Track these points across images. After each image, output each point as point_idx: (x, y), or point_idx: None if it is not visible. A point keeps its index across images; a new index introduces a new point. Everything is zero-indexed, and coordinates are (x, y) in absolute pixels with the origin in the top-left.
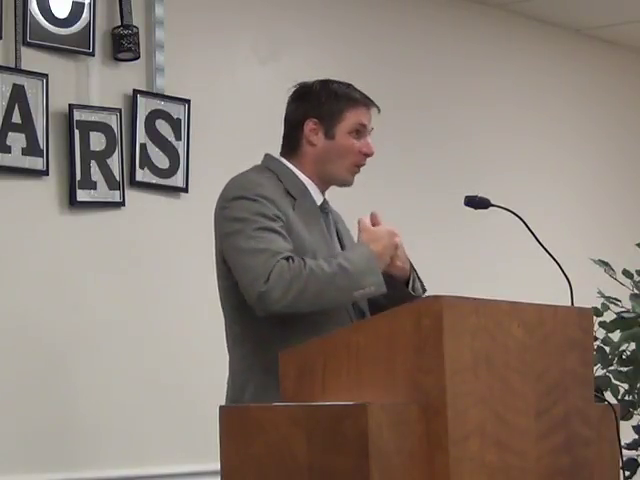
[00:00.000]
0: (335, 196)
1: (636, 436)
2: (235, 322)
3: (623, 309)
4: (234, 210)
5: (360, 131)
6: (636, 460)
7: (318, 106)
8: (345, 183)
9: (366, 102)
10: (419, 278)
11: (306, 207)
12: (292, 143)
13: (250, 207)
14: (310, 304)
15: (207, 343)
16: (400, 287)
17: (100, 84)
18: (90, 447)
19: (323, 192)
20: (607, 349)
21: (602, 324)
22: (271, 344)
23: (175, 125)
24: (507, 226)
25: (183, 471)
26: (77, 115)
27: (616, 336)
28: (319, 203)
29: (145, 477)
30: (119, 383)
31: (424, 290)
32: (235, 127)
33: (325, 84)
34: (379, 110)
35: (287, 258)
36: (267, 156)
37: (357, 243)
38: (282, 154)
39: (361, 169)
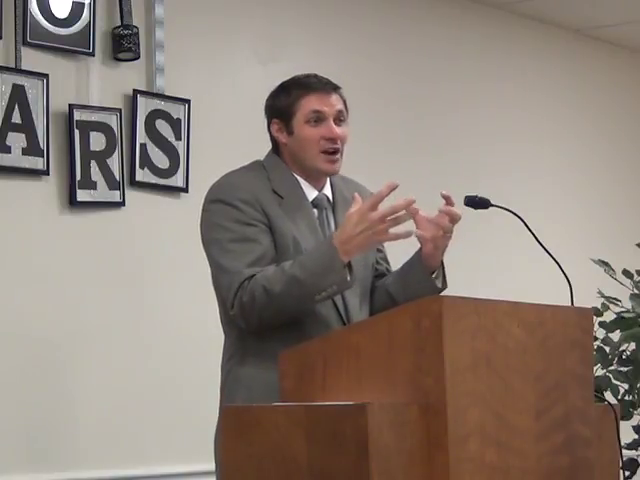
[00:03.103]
0: None
1: (636, 436)
2: (225, 312)
3: (623, 309)
4: (213, 215)
5: (318, 118)
6: (636, 460)
7: (275, 104)
8: (322, 172)
9: (320, 88)
10: (444, 275)
11: (295, 203)
12: (273, 145)
13: (228, 213)
14: (276, 318)
15: (206, 343)
16: (423, 272)
17: (100, 84)
18: (89, 447)
19: (317, 186)
20: (607, 349)
21: (602, 324)
22: (250, 337)
23: (175, 125)
24: (507, 226)
25: (182, 471)
26: (77, 115)
27: (616, 336)
28: (312, 198)
29: (144, 477)
30: (118, 383)
31: (444, 288)
32: (235, 127)
33: (284, 81)
34: (338, 89)
35: (248, 279)
36: (269, 152)
37: (323, 240)
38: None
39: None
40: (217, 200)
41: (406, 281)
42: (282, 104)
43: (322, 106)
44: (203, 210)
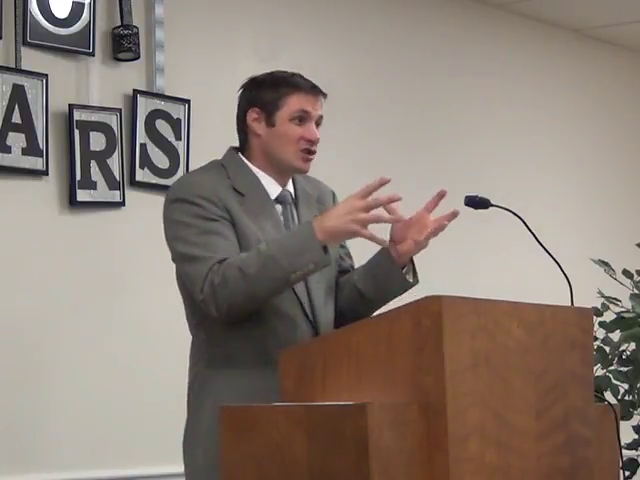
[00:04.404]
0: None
1: (636, 436)
2: (192, 314)
3: (623, 309)
4: (174, 213)
5: (303, 117)
6: (636, 460)
7: (259, 94)
8: (296, 170)
9: (309, 89)
10: (414, 270)
11: (256, 201)
12: (241, 136)
13: (189, 210)
14: (248, 303)
15: None
16: (393, 268)
17: (100, 84)
18: (89, 447)
19: (282, 182)
20: (607, 349)
21: (602, 324)
22: (215, 338)
23: (175, 125)
24: (507, 226)
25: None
26: (77, 115)
27: (616, 336)
28: (275, 195)
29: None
30: (118, 383)
31: (415, 282)
32: (235, 127)
33: (269, 73)
34: (325, 96)
35: (219, 262)
36: (227, 151)
37: (302, 223)
38: (239, 149)
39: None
40: (177, 199)
41: (375, 277)
42: (267, 96)
43: (309, 107)
44: (164, 209)
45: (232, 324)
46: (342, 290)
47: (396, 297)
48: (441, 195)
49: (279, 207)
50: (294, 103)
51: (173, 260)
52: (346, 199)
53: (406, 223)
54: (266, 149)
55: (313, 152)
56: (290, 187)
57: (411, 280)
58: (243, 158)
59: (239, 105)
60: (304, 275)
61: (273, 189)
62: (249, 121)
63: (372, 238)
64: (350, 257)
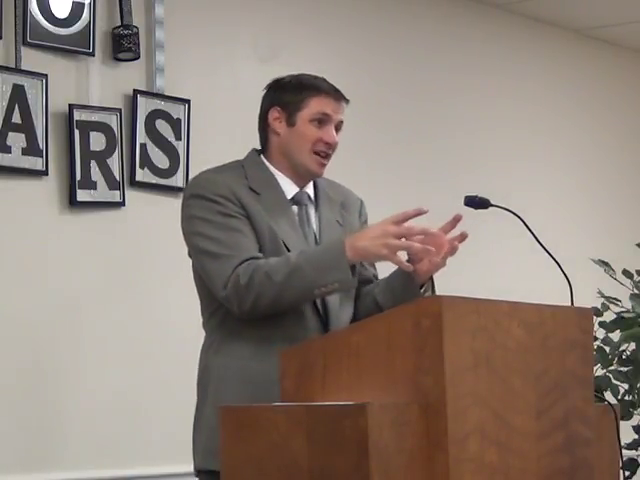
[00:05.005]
0: None
1: (636, 436)
2: (205, 307)
3: (623, 309)
4: (193, 209)
5: (323, 120)
6: (636, 460)
7: (282, 95)
8: (310, 172)
9: (332, 93)
10: (434, 289)
11: (271, 199)
12: (262, 135)
13: (209, 207)
14: (271, 308)
15: None
16: (412, 286)
17: (100, 84)
18: (87, 447)
19: (299, 183)
20: (607, 349)
21: (602, 324)
22: (225, 330)
23: (175, 125)
24: (507, 226)
25: (182, 471)
26: (77, 115)
27: (616, 336)
28: (291, 195)
29: (141, 477)
30: (117, 382)
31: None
32: (235, 127)
33: (294, 76)
34: (347, 102)
35: (244, 262)
36: (249, 152)
37: (334, 238)
38: (260, 150)
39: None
40: (195, 195)
41: (394, 293)
42: (290, 97)
43: (330, 110)
44: (183, 206)
45: (246, 320)
46: (363, 300)
47: None
48: (457, 220)
49: (295, 207)
50: (315, 105)
51: (190, 255)
52: (381, 222)
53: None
54: (284, 149)
55: (328, 156)
56: (310, 189)
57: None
58: (263, 159)
59: (262, 104)
60: (328, 292)
61: (290, 189)
62: (270, 120)
63: (400, 264)
64: (373, 266)
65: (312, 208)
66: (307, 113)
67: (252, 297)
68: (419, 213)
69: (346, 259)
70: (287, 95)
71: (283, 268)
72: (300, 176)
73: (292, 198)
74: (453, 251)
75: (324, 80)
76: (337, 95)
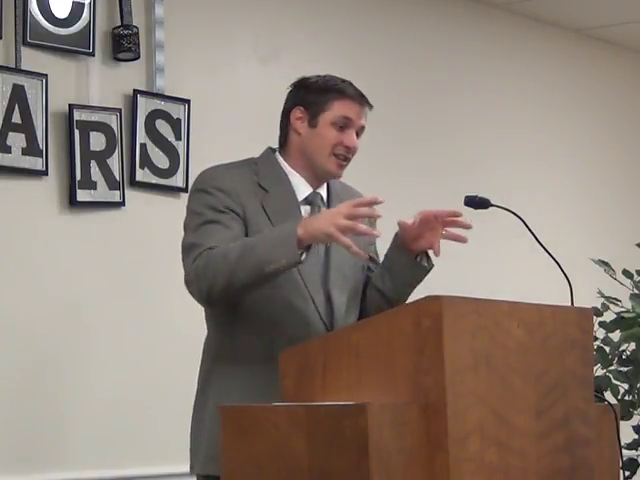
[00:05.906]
0: None
1: (636, 436)
2: (205, 311)
3: (623, 309)
4: (191, 202)
5: (345, 124)
6: (636, 460)
7: (306, 95)
8: (328, 173)
9: (357, 98)
10: (427, 254)
11: (279, 198)
12: (282, 133)
13: (204, 200)
14: (226, 290)
15: None
16: (408, 258)
17: (100, 84)
18: (87, 447)
19: (314, 184)
20: (607, 349)
21: (602, 324)
22: (227, 334)
23: (175, 125)
24: (507, 226)
25: (182, 471)
26: (77, 115)
27: (616, 336)
28: (304, 195)
29: (142, 477)
30: (118, 382)
31: (431, 266)
32: (235, 127)
33: (321, 76)
34: (371, 108)
35: (208, 249)
36: (265, 149)
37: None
38: (276, 147)
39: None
40: (197, 189)
41: (392, 272)
42: (314, 98)
43: (353, 115)
44: (187, 200)
45: (241, 319)
46: (368, 295)
47: (414, 287)
48: (455, 214)
49: (307, 208)
50: (339, 108)
51: None
52: (337, 206)
53: (423, 221)
54: (304, 149)
55: (348, 159)
56: (323, 191)
57: (426, 265)
58: (278, 157)
59: (285, 103)
60: (277, 269)
61: (303, 189)
62: (292, 119)
63: (349, 247)
64: (379, 257)
65: (325, 209)
66: (330, 115)
67: (209, 278)
68: (375, 202)
69: (295, 237)
70: (311, 96)
71: (239, 248)
72: (317, 177)
73: (305, 199)
74: (452, 237)
75: (350, 84)
76: (361, 100)
